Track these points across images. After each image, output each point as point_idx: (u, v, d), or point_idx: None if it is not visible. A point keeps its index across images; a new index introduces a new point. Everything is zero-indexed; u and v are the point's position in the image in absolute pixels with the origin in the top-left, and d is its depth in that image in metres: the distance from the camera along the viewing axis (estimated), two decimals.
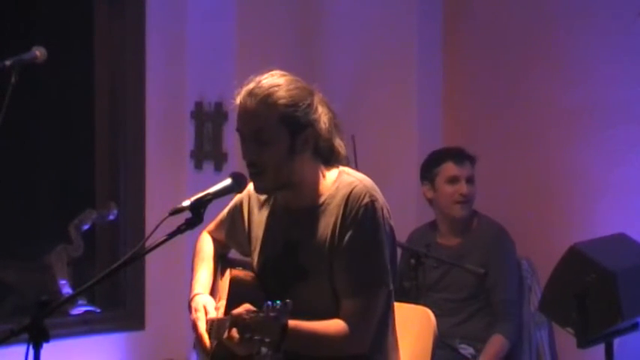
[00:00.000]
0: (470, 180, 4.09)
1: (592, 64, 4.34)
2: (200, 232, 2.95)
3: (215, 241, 2.94)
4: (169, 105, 4.71)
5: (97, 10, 4.75)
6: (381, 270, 2.57)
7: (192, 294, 2.78)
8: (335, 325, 2.53)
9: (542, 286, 3.59)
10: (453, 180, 4.07)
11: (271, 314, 2.26)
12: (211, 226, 2.94)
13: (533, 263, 4.31)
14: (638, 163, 4.21)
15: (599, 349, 3.29)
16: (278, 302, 2.26)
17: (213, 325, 2.67)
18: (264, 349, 2.28)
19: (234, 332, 2.39)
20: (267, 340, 2.26)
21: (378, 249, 2.57)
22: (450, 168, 4.09)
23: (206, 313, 2.67)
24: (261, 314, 2.29)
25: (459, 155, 4.12)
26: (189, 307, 2.74)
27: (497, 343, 3.95)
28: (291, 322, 2.39)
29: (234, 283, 2.68)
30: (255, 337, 2.28)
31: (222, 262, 2.89)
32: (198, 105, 4.64)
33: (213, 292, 2.86)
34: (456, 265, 3.83)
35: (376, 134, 4.67)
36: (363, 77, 4.76)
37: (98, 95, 4.78)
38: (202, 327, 2.65)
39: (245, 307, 2.43)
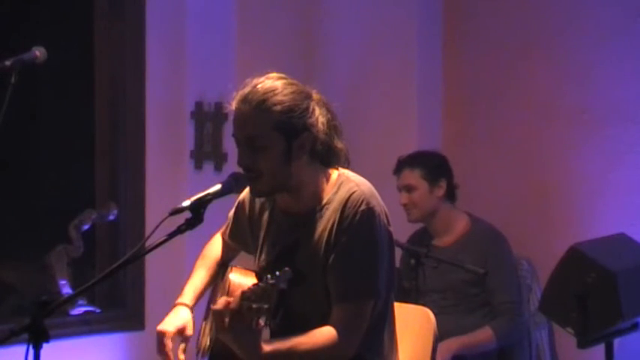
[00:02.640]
0: (409, 188, 4.10)
1: (592, 64, 4.34)
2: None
3: (225, 243, 2.94)
4: (169, 105, 4.71)
5: (97, 10, 4.75)
6: (373, 280, 2.56)
7: (178, 301, 2.79)
8: (318, 335, 2.52)
9: (542, 286, 3.59)
10: (398, 190, 4.14)
11: (270, 282, 2.28)
12: (223, 227, 2.95)
13: (533, 263, 4.31)
14: (638, 163, 4.21)
15: (599, 349, 3.29)
16: (277, 273, 2.28)
17: (212, 323, 2.68)
18: (261, 319, 2.31)
19: (231, 304, 2.36)
20: (265, 306, 2.27)
21: (371, 257, 2.56)
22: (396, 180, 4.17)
23: (183, 337, 2.70)
24: (261, 284, 2.31)
25: (397, 166, 4.16)
26: (171, 310, 2.76)
27: (482, 334, 3.95)
28: (268, 346, 2.41)
29: (234, 281, 2.68)
30: (253, 306, 2.29)
31: (225, 267, 2.89)
32: (198, 105, 4.64)
33: (213, 295, 2.86)
34: (457, 265, 3.83)
35: (376, 134, 4.67)
36: (362, 77, 4.76)
37: (98, 95, 4.77)
38: (169, 344, 2.66)
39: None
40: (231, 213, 2.89)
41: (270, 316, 2.30)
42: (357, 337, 2.55)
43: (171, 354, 2.66)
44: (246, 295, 2.33)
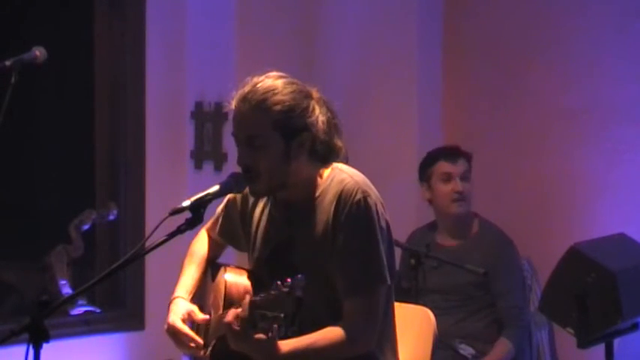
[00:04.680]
0: (464, 177, 4.07)
1: (592, 64, 4.34)
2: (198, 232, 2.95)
3: (211, 240, 2.93)
4: (169, 105, 4.71)
5: (97, 10, 4.75)
6: (379, 266, 2.56)
7: (173, 296, 2.78)
8: (335, 331, 2.51)
9: (542, 286, 3.59)
10: (447, 178, 4.07)
11: (284, 289, 2.25)
12: (208, 223, 2.93)
13: (533, 263, 4.31)
14: (638, 163, 4.21)
15: (599, 349, 3.29)
16: (289, 280, 2.26)
17: (210, 324, 2.67)
18: (275, 326, 2.29)
19: (241, 313, 2.36)
20: (281, 315, 2.25)
21: (373, 246, 2.55)
22: (442, 166, 4.08)
23: (193, 320, 2.67)
24: (273, 292, 2.28)
25: (451, 153, 4.11)
26: (169, 308, 2.75)
27: (502, 347, 3.95)
28: (284, 344, 2.41)
29: (230, 281, 2.67)
30: (268, 314, 2.27)
31: (213, 265, 2.88)
32: (198, 105, 4.64)
33: (202, 294, 2.86)
34: (456, 265, 3.83)
35: (376, 134, 4.67)
36: (363, 77, 4.76)
37: (98, 96, 4.77)
38: (185, 327, 2.64)
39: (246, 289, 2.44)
40: (220, 209, 2.87)
41: (287, 324, 2.28)
42: (374, 328, 2.55)
43: (191, 333, 2.63)
44: (258, 304, 2.31)
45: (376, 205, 2.58)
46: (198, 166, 4.66)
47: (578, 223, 4.31)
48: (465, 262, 3.84)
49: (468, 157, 4.12)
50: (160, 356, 4.65)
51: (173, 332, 2.67)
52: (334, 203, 2.57)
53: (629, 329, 3.33)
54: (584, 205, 4.33)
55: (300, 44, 4.76)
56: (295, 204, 2.64)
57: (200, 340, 2.63)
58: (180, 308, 2.71)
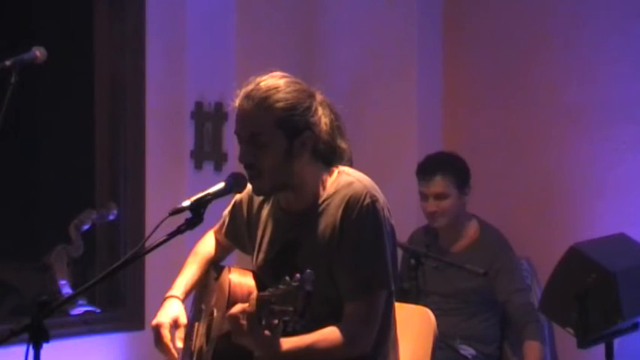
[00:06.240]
0: (440, 196, 4.00)
1: (592, 63, 4.34)
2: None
3: (217, 242, 2.94)
4: (169, 105, 4.70)
5: (97, 10, 4.75)
6: (383, 272, 2.56)
7: (169, 294, 2.80)
8: (336, 332, 2.52)
9: (542, 286, 3.59)
10: (423, 197, 4.05)
11: (294, 284, 2.26)
12: (216, 225, 2.94)
13: (533, 263, 4.31)
14: (638, 162, 4.21)
15: (599, 349, 3.29)
16: (298, 275, 2.26)
17: (212, 324, 2.68)
18: (286, 321, 2.30)
19: (248, 307, 2.37)
20: (290, 309, 2.26)
21: (379, 251, 2.56)
22: (419, 184, 4.06)
23: (177, 327, 2.72)
24: (282, 286, 2.29)
25: (426, 171, 4.03)
26: (163, 302, 2.78)
27: (535, 349, 3.90)
28: (285, 342, 2.42)
29: (234, 281, 2.68)
30: (276, 308, 2.28)
31: (216, 266, 2.89)
32: (198, 105, 4.64)
33: (203, 294, 2.86)
34: (456, 265, 3.82)
35: (376, 134, 4.67)
36: (363, 77, 4.76)
37: (98, 95, 4.77)
38: (167, 335, 2.68)
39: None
40: (227, 211, 2.88)
41: (296, 318, 2.28)
42: (372, 333, 2.56)
43: (170, 344, 2.69)
44: (266, 298, 2.32)
45: (383, 209, 2.59)
46: (198, 166, 4.66)
47: (578, 223, 4.31)
48: (461, 264, 3.83)
49: (450, 171, 4.01)
50: (160, 356, 4.64)
51: (156, 333, 2.71)
52: (342, 206, 2.57)
53: (629, 329, 3.33)
54: (584, 205, 4.33)
55: (300, 44, 4.76)
56: (301, 209, 2.64)
57: (175, 355, 2.68)
58: (170, 312, 2.74)
